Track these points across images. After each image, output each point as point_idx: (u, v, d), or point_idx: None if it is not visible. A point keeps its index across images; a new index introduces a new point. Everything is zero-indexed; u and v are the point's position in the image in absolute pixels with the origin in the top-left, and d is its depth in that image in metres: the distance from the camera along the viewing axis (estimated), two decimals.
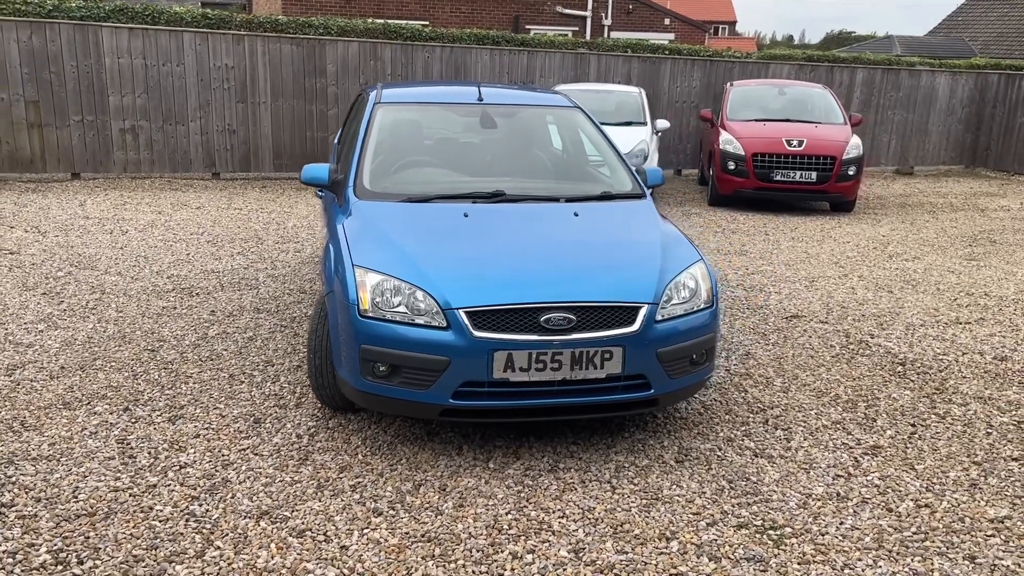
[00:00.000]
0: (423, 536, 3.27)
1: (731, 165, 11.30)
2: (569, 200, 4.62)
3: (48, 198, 10.25)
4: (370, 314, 3.72)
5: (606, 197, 4.78)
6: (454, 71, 13.62)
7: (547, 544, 3.24)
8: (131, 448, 3.89)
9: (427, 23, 22.15)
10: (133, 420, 4.18)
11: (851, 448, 4.14)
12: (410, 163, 4.96)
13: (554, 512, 3.47)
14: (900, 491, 3.73)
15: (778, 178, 11.08)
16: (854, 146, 11.27)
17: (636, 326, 3.74)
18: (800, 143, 11.10)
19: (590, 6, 24.13)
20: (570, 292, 3.73)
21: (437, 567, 3.08)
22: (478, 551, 3.18)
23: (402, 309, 3.71)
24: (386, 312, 3.71)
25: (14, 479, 3.57)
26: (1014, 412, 4.66)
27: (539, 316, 3.64)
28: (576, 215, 4.41)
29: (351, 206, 4.45)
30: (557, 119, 5.46)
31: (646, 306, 3.78)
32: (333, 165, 4.99)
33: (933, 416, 4.57)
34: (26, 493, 3.46)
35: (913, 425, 4.44)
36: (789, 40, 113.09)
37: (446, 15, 22.93)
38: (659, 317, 3.82)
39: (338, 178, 4.77)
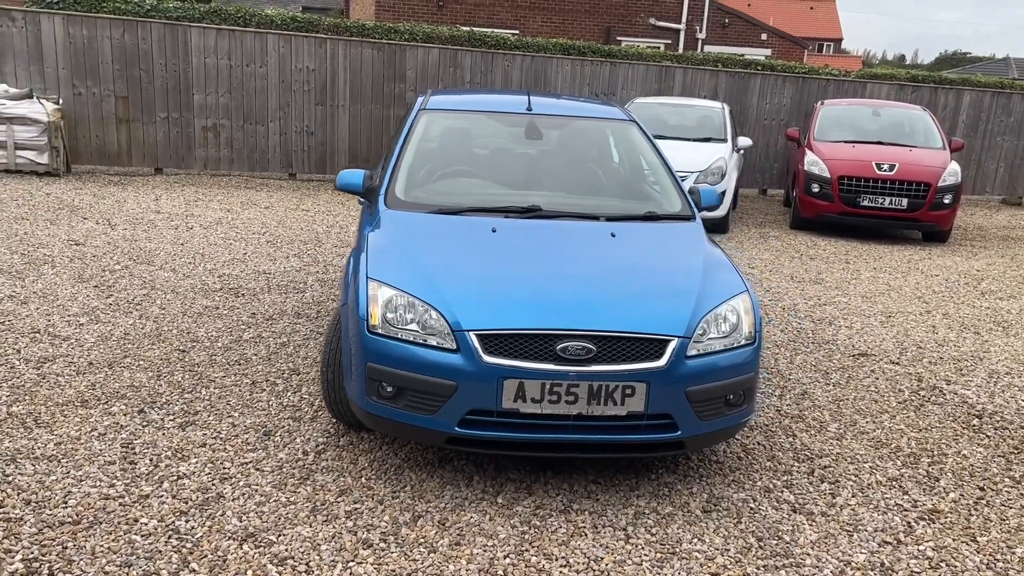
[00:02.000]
0: None
1: (815, 187, 10.73)
2: (610, 219, 4.32)
3: (127, 191, 10.49)
4: (380, 331, 3.51)
5: (651, 217, 4.46)
6: (534, 80, 13.43)
7: None
8: (134, 453, 3.78)
9: (517, 32, 22.09)
10: (144, 423, 4.09)
11: (905, 511, 3.71)
12: (447, 173, 4.75)
13: (557, 559, 3.18)
14: (956, 566, 3.30)
15: (865, 203, 10.46)
16: (951, 172, 10.55)
17: (663, 361, 3.42)
18: (891, 167, 10.45)
19: (684, 19, 23.61)
20: (592, 320, 3.43)
21: None
22: None
23: (414, 327, 3.48)
24: (398, 330, 3.49)
25: (11, 478, 3.49)
26: None
27: (556, 344, 3.36)
28: (613, 235, 4.11)
29: (380, 215, 4.27)
30: (610, 133, 5.16)
31: (676, 340, 3.45)
32: (370, 172, 4.82)
33: (1007, 479, 4.08)
34: (17, 494, 3.38)
35: (982, 488, 3.97)
36: (901, 60, 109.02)
37: (537, 25, 22.80)
38: (691, 352, 3.49)
39: (372, 185, 4.59)
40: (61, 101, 11.34)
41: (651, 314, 3.53)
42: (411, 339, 3.46)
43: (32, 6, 12.20)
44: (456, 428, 3.41)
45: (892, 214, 10.48)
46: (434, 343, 3.43)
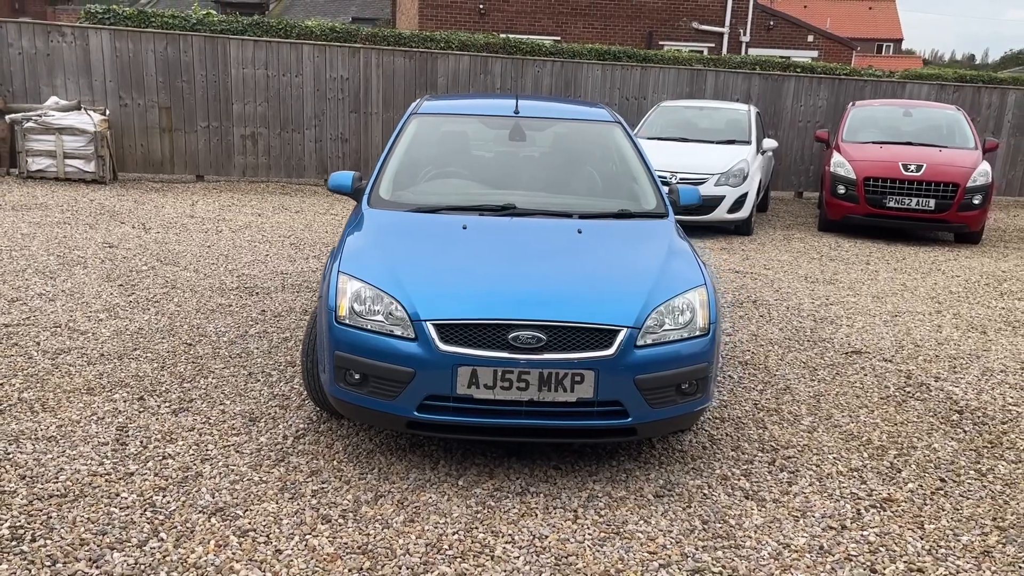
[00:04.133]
0: (359, 548, 3.23)
1: (841, 189, 10.68)
2: (583, 216, 4.48)
3: (166, 197, 10.97)
4: (347, 321, 3.73)
5: (624, 215, 4.60)
6: (564, 86, 13.59)
7: (480, 569, 3.13)
8: (127, 436, 4.06)
9: (558, 38, 22.28)
10: (141, 409, 4.37)
11: (859, 499, 3.78)
12: (432, 174, 4.96)
13: (503, 536, 3.35)
14: (895, 551, 3.37)
15: (891, 204, 10.37)
16: (981, 173, 10.40)
17: (612, 350, 3.56)
18: (918, 168, 10.34)
19: (727, 22, 23.51)
20: (543, 311, 3.60)
21: None
22: (407, 569, 3.11)
23: (380, 319, 3.69)
24: (365, 320, 3.71)
25: (11, 456, 3.79)
26: None
27: (508, 333, 3.54)
28: (579, 232, 4.26)
29: (362, 214, 4.50)
30: (593, 134, 5.30)
31: (625, 330, 3.60)
32: (360, 174, 5.05)
33: (972, 472, 4.11)
34: (15, 470, 3.67)
35: (943, 480, 4.01)
36: (970, 59, 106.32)
37: (579, 31, 22.95)
38: (641, 342, 3.62)
39: (360, 186, 4.83)
40: (108, 112, 11.90)
41: (602, 305, 3.68)
42: (376, 329, 3.67)
43: (85, 22, 12.84)
44: (415, 413, 3.61)
45: (919, 215, 10.37)
46: (398, 333, 3.63)
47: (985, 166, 10.54)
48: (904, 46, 72.92)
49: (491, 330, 3.55)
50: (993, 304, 7.54)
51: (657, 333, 3.70)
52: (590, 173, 5.08)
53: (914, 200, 10.30)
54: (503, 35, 15.90)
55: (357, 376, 3.70)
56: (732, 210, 10.16)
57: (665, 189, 4.91)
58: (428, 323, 3.57)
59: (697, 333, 3.78)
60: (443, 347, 3.54)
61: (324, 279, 4.08)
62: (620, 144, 5.15)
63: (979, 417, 4.80)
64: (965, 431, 4.60)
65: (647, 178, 4.90)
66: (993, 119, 15.24)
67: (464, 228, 4.23)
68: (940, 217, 10.35)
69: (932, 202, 10.26)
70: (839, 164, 10.81)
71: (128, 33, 12.02)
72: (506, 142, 5.11)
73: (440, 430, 3.70)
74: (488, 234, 4.24)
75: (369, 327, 3.69)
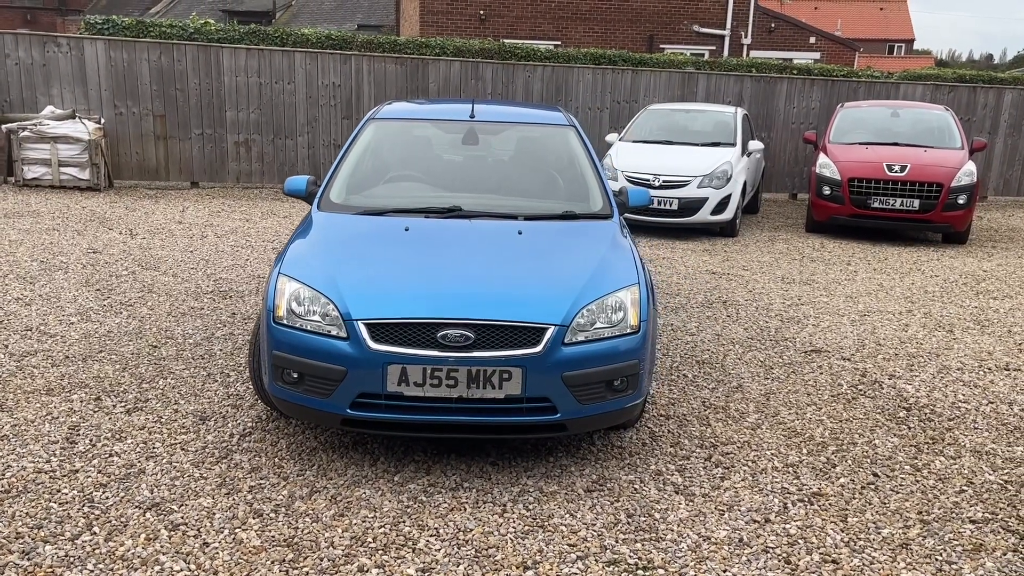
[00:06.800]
0: (285, 541, 3.31)
1: (826, 190, 10.70)
2: (528, 218, 4.55)
3: (158, 203, 11.13)
4: (284, 321, 3.83)
5: (568, 216, 4.68)
6: (555, 91, 13.68)
7: (399, 561, 3.21)
8: (77, 435, 4.17)
9: (559, 43, 22.37)
10: (96, 409, 4.48)
11: (788, 493, 3.83)
12: (383, 178, 5.06)
13: (428, 530, 3.42)
14: (813, 543, 3.42)
15: (876, 205, 10.37)
16: (966, 173, 10.39)
17: (539, 348, 3.64)
18: (902, 168, 10.35)
19: (728, 25, 23.51)
20: (472, 310, 3.68)
21: (280, 572, 3.12)
22: (328, 561, 3.20)
23: (317, 319, 3.79)
24: (304, 321, 3.80)
25: None
26: (1009, 470, 4.15)
27: (437, 332, 3.62)
28: (520, 233, 4.34)
29: (311, 217, 4.61)
30: (546, 137, 5.38)
31: (553, 328, 3.67)
32: (315, 178, 5.16)
33: (907, 467, 4.15)
34: None
35: (876, 475, 4.05)
36: (989, 59, 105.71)
37: (579, 35, 23.03)
38: (569, 339, 3.70)
39: (314, 190, 4.93)
40: (103, 120, 12.09)
41: (530, 304, 3.76)
42: (312, 329, 3.76)
43: (84, 32, 13.06)
44: (348, 410, 3.70)
45: (903, 216, 10.37)
46: (334, 333, 3.72)
47: (970, 166, 10.52)
48: (923, 47, 72.57)
49: (420, 329, 3.63)
50: (966, 303, 7.54)
51: (588, 331, 3.77)
52: (540, 176, 5.16)
53: (898, 200, 10.30)
54: (501, 40, 16.02)
55: (294, 375, 3.80)
56: (716, 212, 10.20)
57: (614, 188, 4.98)
58: (359, 322, 3.66)
59: (628, 331, 3.85)
60: (373, 346, 3.63)
61: (267, 281, 4.18)
62: (572, 147, 5.22)
63: (926, 414, 4.84)
64: (909, 428, 4.64)
65: (595, 180, 4.97)
66: (990, 119, 15.19)
67: (406, 230, 4.31)
68: (924, 217, 10.35)
69: (916, 202, 10.26)
70: (824, 165, 10.83)
71: (123, 43, 12.21)
72: (459, 146, 5.20)
73: (373, 427, 3.78)
74: (429, 236, 4.32)
75: (307, 327, 3.78)
